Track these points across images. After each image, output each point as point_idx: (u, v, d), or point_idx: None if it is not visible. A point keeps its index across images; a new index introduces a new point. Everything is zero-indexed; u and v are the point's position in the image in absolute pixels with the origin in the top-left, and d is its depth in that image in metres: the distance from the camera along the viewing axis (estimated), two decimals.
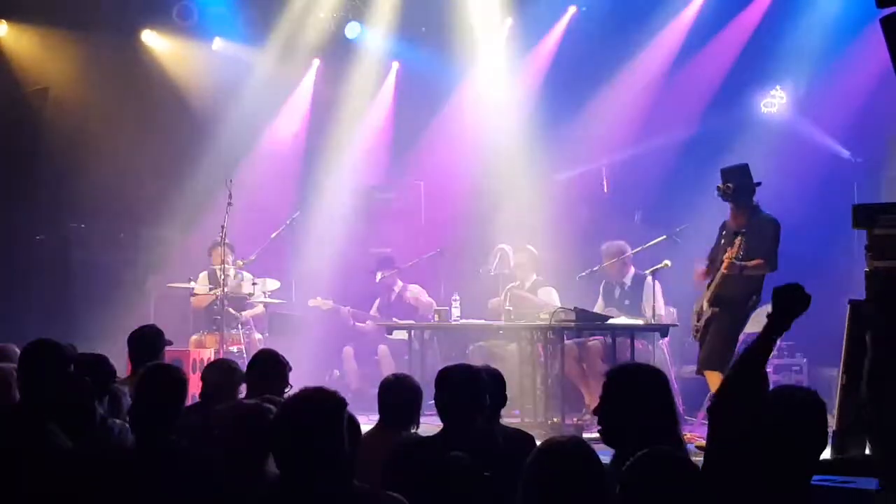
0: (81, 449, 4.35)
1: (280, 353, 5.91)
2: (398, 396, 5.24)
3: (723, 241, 8.25)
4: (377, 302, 11.69)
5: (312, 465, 3.44)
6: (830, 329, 7.40)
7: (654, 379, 4.00)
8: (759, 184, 8.15)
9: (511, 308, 10.20)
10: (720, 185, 8.15)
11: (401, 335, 10.88)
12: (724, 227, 8.35)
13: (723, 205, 8.40)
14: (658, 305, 9.80)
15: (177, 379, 4.53)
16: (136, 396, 4.45)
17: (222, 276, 10.79)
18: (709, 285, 8.18)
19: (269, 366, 5.75)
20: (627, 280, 10.15)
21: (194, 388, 6.02)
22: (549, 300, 10.36)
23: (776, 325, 3.86)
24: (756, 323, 9.12)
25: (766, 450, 3.51)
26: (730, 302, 7.96)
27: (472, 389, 4.73)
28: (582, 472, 3.26)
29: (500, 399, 5.23)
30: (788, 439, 3.50)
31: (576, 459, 3.27)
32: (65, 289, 11.99)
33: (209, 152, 12.46)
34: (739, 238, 7.87)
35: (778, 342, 9.40)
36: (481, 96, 12.92)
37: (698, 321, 8.24)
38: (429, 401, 5.05)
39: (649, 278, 9.88)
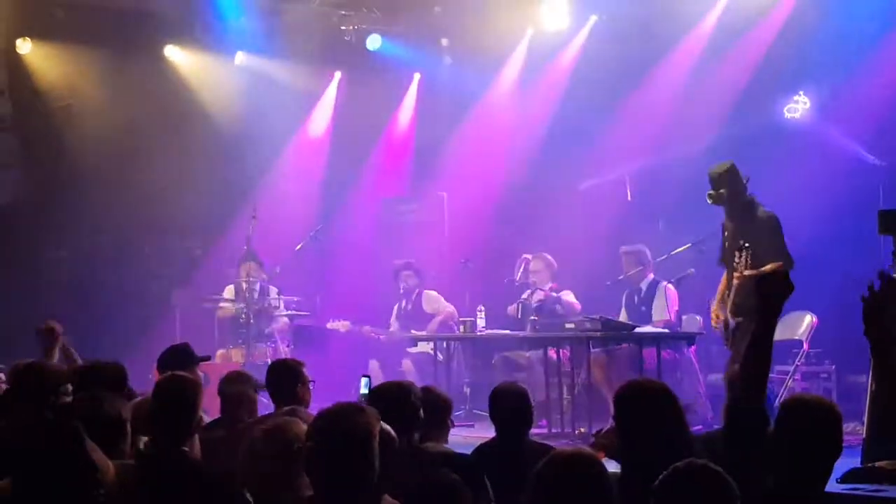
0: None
1: (300, 362, 5.92)
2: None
3: (726, 243, 8.18)
4: (395, 309, 11.69)
5: (346, 482, 3.41)
6: (859, 335, 7.33)
7: (662, 393, 4.04)
8: (748, 178, 8.08)
9: (536, 318, 10.19)
10: (711, 191, 8.08)
11: (422, 347, 10.90)
12: (724, 227, 8.29)
13: None
14: (659, 308, 9.80)
15: (186, 389, 4.52)
16: (150, 408, 4.49)
17: (247, 291, 10.84)
18: (729, 294, 8.13)
19: (284, 376, 5.77)
20: (644, 286, 10.14)
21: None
22: (569, 300, 10.46)
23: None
24: (785, 329, 9.10)
25: (779, 457, 3.51)
26: (751, 310, 7.81)
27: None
28: (587, 485, 3.25)
29: (528, 416, 5.30)
30: (800, 447, 3.51)
31: (581, 472, 3.26)
32: (89, 304, 12.04)
33: (233, 166, 12.52)
34: (744, 252, 7.79)
35: (806, 348, 9.46)
36: (503, 106, 12.92)
37: (726, 330, 8.18)
38: (455, 412, 5.11)
39: (662, 284, 9.88)
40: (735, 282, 7.88)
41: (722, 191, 7.99)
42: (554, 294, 10.54)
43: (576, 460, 3.31)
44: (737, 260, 7.83)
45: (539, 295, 10.56)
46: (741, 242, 7.84)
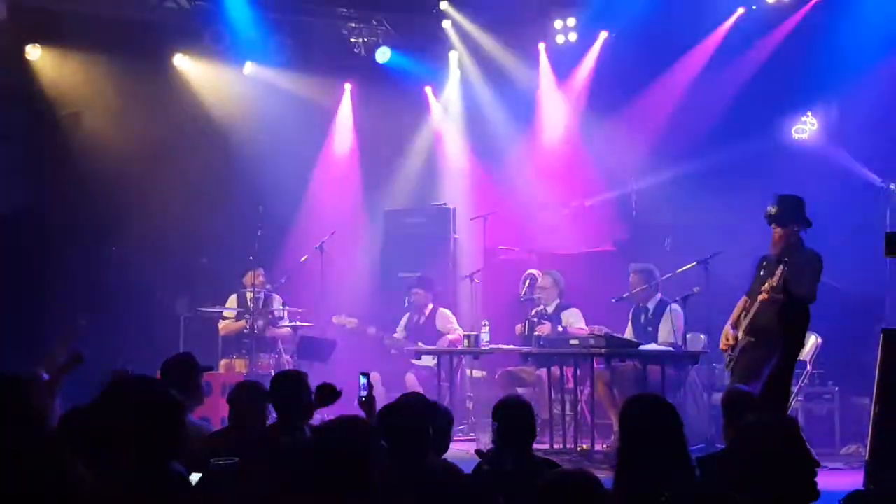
0: None
1: (304, 374, 5.89)
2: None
3: (762, 272, 8.16)
4: (405, 319, 11.64)
5: (345, 496, 3.39)
6: (863, 357, 7.32)
7: (666, 411, 4.02)
8: (810, 224, 8.09)
9: (539, 334, 10.19)
10: (771, 207, 8.07)
11: (427, 361, 10.88)
12: (763, 260, 8.26)
13: (754, 228, 8.33)
14: (666, 332, 9.76)
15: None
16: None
17: (252, 301, 10.84)
18: (745, 315, 8.10)
19: (287, 387, 5.74)
20: (651, 306, 10.11)
21: (223, 411, 6.03)
22: (573, 322, 10.41)
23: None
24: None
25: (755, 484, 3.46)
26: (766, 332, 7.74)
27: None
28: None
29: (531, 429, 5.28)
30: (766, 470, 3.47)
31: (584, 492, 3.26)
32: (94, 312, 12.03)
33: (240, 176, 12.52)
34: (782, 267, 7.75)
35: (809, 369, 9.44)
36: (512, 121, 12.93)
37: (732, 351, 8.15)
38: (457, 426, 5.10)
39: (670, 307, 9.85)
40: (761, 296, 7.85)
41: (781, 207, 8.00)
42: (560, 328, 10.46)
43: (579, 479, 3.30)
44: (775, 275, 7.76)
45: (546, 328, 10.46)
46: (783, 258, 7.81)
